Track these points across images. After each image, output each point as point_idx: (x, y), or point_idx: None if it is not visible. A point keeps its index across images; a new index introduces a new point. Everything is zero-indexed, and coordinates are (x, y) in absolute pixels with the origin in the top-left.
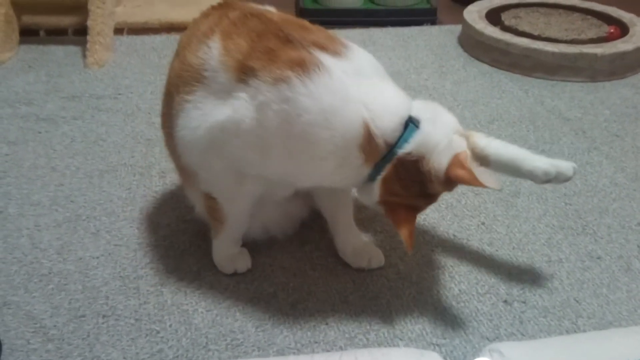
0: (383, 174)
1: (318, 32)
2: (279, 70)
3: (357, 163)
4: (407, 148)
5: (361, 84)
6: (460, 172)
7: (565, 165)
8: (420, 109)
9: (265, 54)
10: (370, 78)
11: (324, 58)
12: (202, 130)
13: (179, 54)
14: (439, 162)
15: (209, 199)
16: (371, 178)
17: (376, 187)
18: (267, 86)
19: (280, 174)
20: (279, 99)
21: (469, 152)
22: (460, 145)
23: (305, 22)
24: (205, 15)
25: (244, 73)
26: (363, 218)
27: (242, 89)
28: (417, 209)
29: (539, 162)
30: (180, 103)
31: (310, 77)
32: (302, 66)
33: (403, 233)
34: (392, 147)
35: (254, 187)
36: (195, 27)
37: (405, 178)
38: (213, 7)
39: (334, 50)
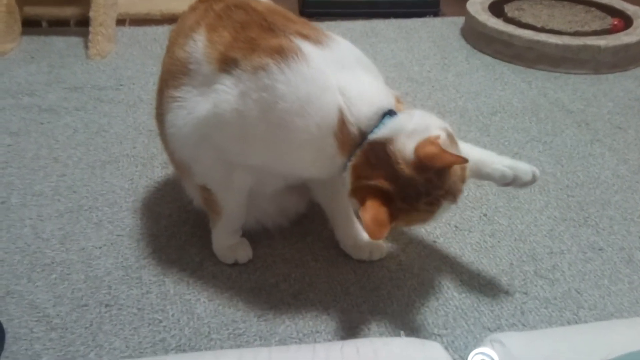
0: (353, 159)
1: (302, 23)
2: (259, 59)
3: (331, 152)
4: (379, 134)
5: (341, 73)
6: (429, 148)
7: (523, 169)
8: (405, 111)
9: (247, 44)
10: (351, 69)
11: (304, 46)
12: (189, 128)
13: (168, 50)
14: (406, 143)
15: (205, 190)
16: (346, 168)
17: (347, 176)
18: (247, 75)
19: (262, 162)
20: (257, 87)
21: (444, 136)
22: (435, 132)
23: (290, 13)
24: (192, 9)
25: (225, 64)
26: None
27: (224, 79)
28: (391, 200)
29: (498, 164)
30: (168, 99)
31: (287, 64)
32: (281, 53)
33: (364, 216)
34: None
35: (244, 177)
36: (183, 22)
37: (375, 163)
38: (199, 0)
39: (316, 39)
